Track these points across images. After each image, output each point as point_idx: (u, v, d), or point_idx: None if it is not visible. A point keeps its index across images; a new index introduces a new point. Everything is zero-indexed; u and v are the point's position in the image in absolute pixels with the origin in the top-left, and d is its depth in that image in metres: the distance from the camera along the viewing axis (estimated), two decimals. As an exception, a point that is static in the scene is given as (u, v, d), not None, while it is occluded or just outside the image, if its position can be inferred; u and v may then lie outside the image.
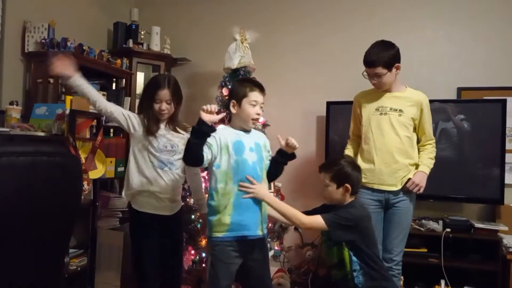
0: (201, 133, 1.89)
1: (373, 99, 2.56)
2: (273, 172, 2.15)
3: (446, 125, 3.15)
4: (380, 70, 2.41)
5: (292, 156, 2.13)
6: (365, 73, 2.50)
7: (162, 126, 2.32)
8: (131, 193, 2.29)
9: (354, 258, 1.97)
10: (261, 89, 2.09)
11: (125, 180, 2.34)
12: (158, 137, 2.27)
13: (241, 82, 2.17)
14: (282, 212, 1.99)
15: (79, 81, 2.21)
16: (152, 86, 2.30)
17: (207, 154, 1.94)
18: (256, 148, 2.07)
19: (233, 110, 2.07)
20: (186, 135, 2.33)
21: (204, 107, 1.89)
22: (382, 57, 2.41)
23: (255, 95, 2.04)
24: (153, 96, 2.27)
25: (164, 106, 2.27)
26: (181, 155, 2.27)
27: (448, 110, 3.17)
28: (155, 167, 2.25)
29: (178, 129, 2.35)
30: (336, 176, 2.03)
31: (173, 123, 2.36)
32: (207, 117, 1.88)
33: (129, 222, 2.36)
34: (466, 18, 3.42)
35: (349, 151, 2.70)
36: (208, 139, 1.93)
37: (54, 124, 2.60)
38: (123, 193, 2.35)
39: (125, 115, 2.27)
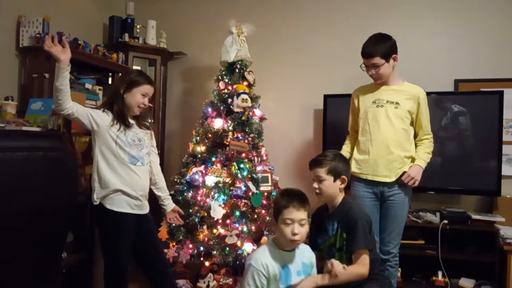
0: None
1: (370, 92, 2.58)
2: None
3: (443, 117, 3.15)
4: (378, 60, 2.43)
5: None
6: (363, 66, 2.51)
7: (133, 121, 2.30)
8: (104, 195, 2.17)
9: None
10: (299, 204, 1.78)
11: (94, 182, 2.20)
12: (125, 131, 2.23)
13: (280, 195, 1.89)
14: (345, 281, 1.89)
15: (67, 74, 2.06)
16: (143, 80, 2.29)
17: None
18: (303, 269, 1.88)
19: (273, 228, 1.96)
20: (151, 132, 2.40)
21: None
22: (380, 47, 2.43)
23: (289, 213, 1.77)
24: (140, 89, 2.26)
25: (147, 101, 2.30)
26: (147, 149, 2.33)
27: (445, 102, 3.17)
28: (127, 164, 2.20)
29: (143, 126, 2.36)
30: (332, 169, 2.07)
31: (142, 119, 2.36)
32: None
33: (101, 224, 2.24)
34: (463, 11, 3.41)
35: (346, 146, 2.71)
36: (260, 279, 1.77)
37: (50, 119, 2.58)
38: (94, 197, 2.19)
39: (87, 113, 2.16)
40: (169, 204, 2.55)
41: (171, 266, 2.62)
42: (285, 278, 1.81)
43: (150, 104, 2.36)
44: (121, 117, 2.23)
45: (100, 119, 2.19)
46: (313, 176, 2.13)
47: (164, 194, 2.53)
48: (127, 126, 2.24)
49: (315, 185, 2.09)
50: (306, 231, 1.81)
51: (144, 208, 2.31)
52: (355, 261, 1.96)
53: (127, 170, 2.20)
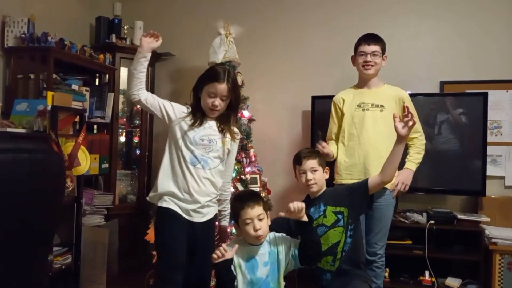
0: None
1: (353, 96, 2.60)
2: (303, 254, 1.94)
3: (429, 119, 3.18)
4: (379, 49, 2.51)
5: (308, 223, 1.92)
6: (361, 51, 2.52)
7: (213, 122, 2.07)
8: (156, 195, 2.02)
9: (348, 239, 2.08)
10: (252, 202, 1.89)
11: (156, 179, 2.06)
12: (197, 128, 2.01)
13: (234, 200, 1.99)
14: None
15: (143, 61, 2.01)
16: (208, 78, 2.03)
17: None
18: (270, 258, 1.94)
19: (238, 232, 2.00)
20: (234, 143, 2.14)
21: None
22: (381, 40, 2.54)
23: (246, 213, 1.87)
24: (207, 88, 2.01)
25: (218, 102, 2.00)
26: (218, 153, 2.05)
27: (431, 103, 3.21)
28: (186, 163, 1.97)
29: (226, 131, 2.07)
30: (321, 161, 2.19)
31: (224, 124, 2.08)
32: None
33: (155, 222, 2.09)
34: (449, 12, 3.46)
35: (333, 147, 2.66)
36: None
37: (36, 120, 2.55)
38: (150, 194, 2.08)
39: (159, 104, 2.02)
40: (220, 221, 2.27)
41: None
42: (251, 269, 1.91)
43: (220, 104, 2.02)
44: (197, 117, 2.04)
45: (173, 112, 2.03)
46: (302, 170, 2.15)
47: (219, 207, 2.22)
48: (201, 123, 2.03)
49: (310, 176, 2.12)
50: (267, 224, 1.94)
51: (197, 217, 2.02)
52: (377, 175, 2.16)
53: (184, 171, 1.98)
